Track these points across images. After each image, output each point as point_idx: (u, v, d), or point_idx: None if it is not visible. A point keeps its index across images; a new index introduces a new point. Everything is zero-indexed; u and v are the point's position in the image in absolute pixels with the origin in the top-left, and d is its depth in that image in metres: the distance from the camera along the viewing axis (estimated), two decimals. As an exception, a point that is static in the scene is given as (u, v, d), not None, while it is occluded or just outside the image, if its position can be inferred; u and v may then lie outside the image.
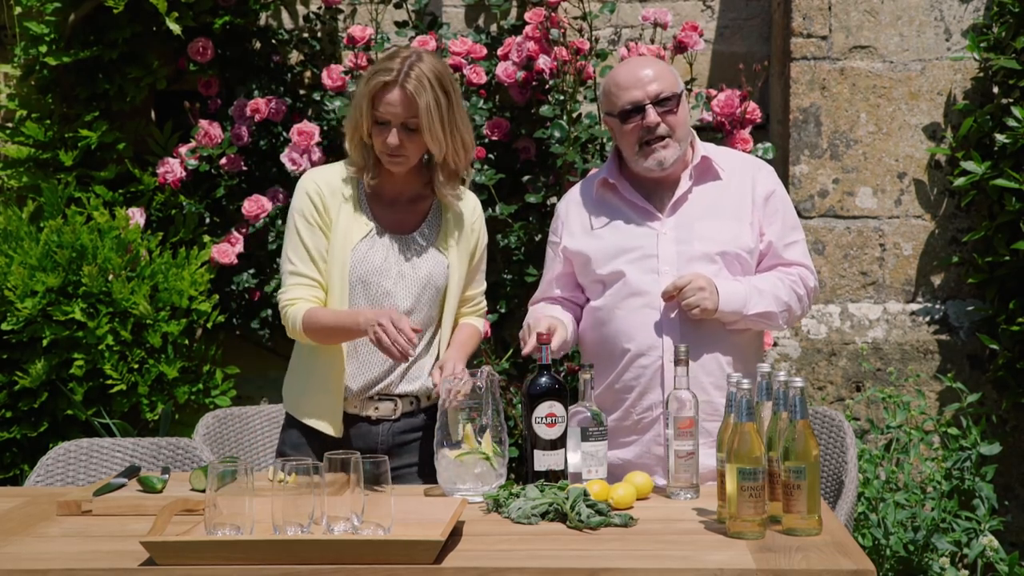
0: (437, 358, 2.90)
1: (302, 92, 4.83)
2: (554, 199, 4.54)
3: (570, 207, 3.03)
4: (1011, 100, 4.25)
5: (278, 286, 3.28)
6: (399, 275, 2.85)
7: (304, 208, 2.85)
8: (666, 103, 2.85)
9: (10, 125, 4.81)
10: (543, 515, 2.38)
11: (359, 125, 2.81)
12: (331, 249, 2.84)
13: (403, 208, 2.91)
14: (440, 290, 2.90)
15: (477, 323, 3.02)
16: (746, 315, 2.80)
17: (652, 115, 2.84)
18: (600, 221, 2.95)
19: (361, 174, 2.87)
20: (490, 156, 4.55)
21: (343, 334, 2.78)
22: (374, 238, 2.86)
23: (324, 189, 2.86)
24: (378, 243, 2.86)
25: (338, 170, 2.92)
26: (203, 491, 2.52)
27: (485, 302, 3.08)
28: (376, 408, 2.88)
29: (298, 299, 2.84)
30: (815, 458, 2.23)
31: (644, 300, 2.83)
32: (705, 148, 2.97)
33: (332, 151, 4.44)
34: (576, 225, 2.99)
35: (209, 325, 4.39)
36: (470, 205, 2.98)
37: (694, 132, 3.01)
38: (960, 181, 4.30)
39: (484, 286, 3.07)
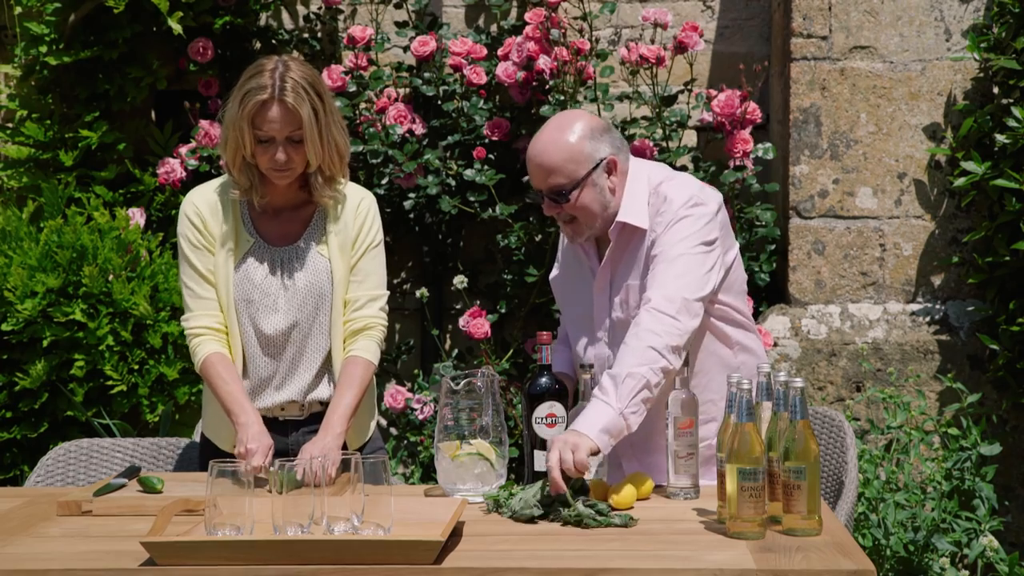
0: (328, 362, 2.85)
1: (302, 92, 4.82)
2: (554, 199, 4.54)
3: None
4: (1011, 100, 4.25)
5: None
6: (281, 288, 2.81)
7: (187, 232, 2.82)
8: (561, 197, 2.68)
9: (10, 125, 4.82)
10: (543, 515, 2.38)
11: (240, 147, 2.72)
12: (215, 268, 2.81)
13: (288, 218, 2.85)
14: (326, 296, 2.83)
15: (366, 353, 2.80)
16: (622, 413, 2.50)
17: (547, 207, 2.73)
18: (563, 258, 2.94)
19: (249, 195, 2.79)
20: (490, 156, 4.55)
21: (229, 412, 2.76)
22: (256, 254, 2.81)
23: (204, 209, 2.82)
24: (260, 258, 2.81)
25: (218, 187, 2.87)
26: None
27: (382, 316, 2.86)
28: (283, 409, 2.85)
29: (204, 330, 2.81)
30: (815, 458, 2.23)
31: (589, 353, 2.80)
32: (631, 203, 2.73)
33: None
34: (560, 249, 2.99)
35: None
36: (354, 201, 2.86)
37: (634, 169, 2.78)
38: (960, 181, 4.30)
39: (377, 292, 2.87)
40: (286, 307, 2.81)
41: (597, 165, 2.70)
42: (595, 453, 2.46)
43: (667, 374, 2.55)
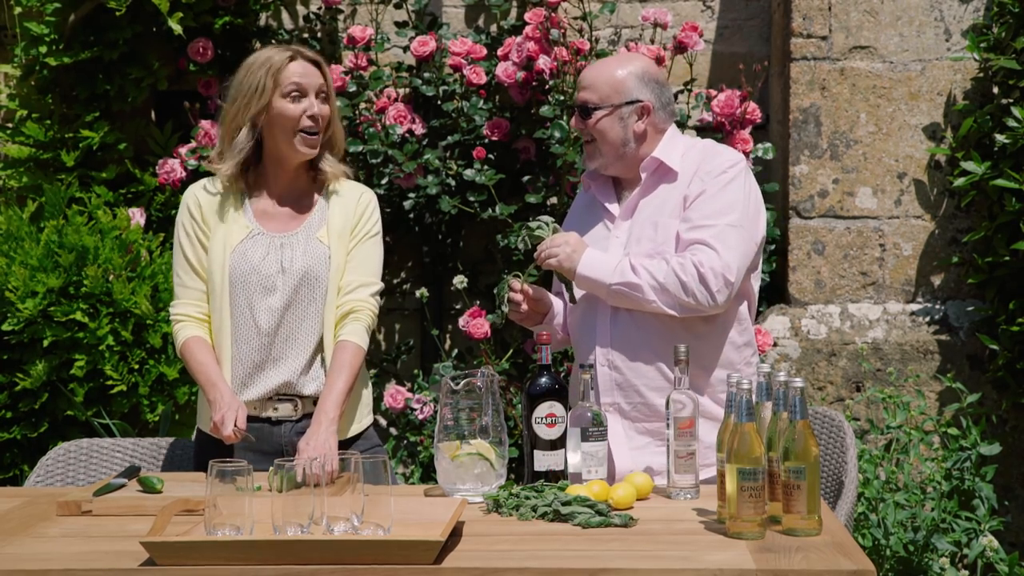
0: (320, 348, 2.86)
1: (302, 92, 4.83)
2: (554, 199, 4.54)
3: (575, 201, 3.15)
4: (1011, 100, 4.25)
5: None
6: (278, 270, 2.84)
7: (185, 221, 2.89)
8: (584, 112, 2.89)
9: (10, 125, 4.82)
10: (543, 515, 2.39)
11: (258, 111, 2.81)
12: (210, 254, 2.85)
13: (289, 210, 2.90)
14: (322, 280, 2.86)
15: (354, 336, 2.83)
16: (610, 286, 2.77)
17: (574, 120, 2.94)
18: (574, 218, 3.03)
19: (255, 184, 2.86)
20: (490, 156, 4.55)
21: (203, 390, 2.84)
22: (254, 238, 2.85)
23: (203, 201, 2.88)
24: (257, 242, 2.85)
25: (220, 180, 2.92)
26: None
27: (371, 302, 2.89)
28: (275, 409, 2.86)
29: (185, 317, 2.88)
30: (815, 458, 2.23)
31: (588, 303, 2.88)
32: (671, 147, 2.90)
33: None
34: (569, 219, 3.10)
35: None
36: (355, 194, 2.95)
37: (674, 129, 2.96)
38: (960, 181, 4.30)
39: (369, 279, 2.90)
40: (282, 288, 2.83)
41: (630, 102, 2.88)
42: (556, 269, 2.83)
43: (665, 302, 2.75)
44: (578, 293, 2.88)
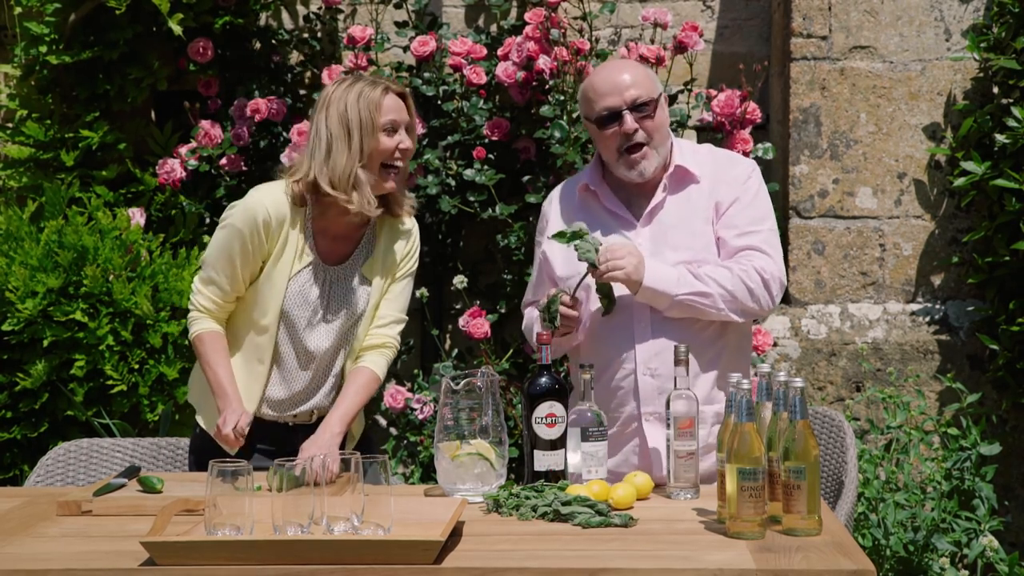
0: (342, 374, 2.89)
1: (302, 92, 4.84)
2: (554, 199, 4.54)
3: (552, 208, 3.00)
4: (1011, 100, 4.25)
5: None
6: (327, 310, 2.84)
7: (248, 233, 2.77)
8: (643, 108, 2.81)
9: (10, 125, 4.82)
10: (543, 515, 2.39)
11: (362, 150, 2.75)
12: (267, 275, 2.80)
13: (344, 239, 2.87)
14: (362, 318, 2.88)
15: (377, 367, 2.88)
16: (676, 297, 2.73)
17: (629, 122, 2.81)
18: (569, 221, 2.92)
19: (348, 204, 2.78)
20: (490, 156, 4.55)
21: (213, 394, 2.83)
22: (312, 271, 2.82)
23: (275, 217, 2.77)
24: (315, 277, 2.83)
25: (286, 195, 2.83)
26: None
27: (398, 339, 2.94)
28: (295, 416, 2.89)
29: (204, 312, 2.85)
30: (815, 458, 2.23)
31: (622, 312, 2.82)
32: (682, 153, 2.90)
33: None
34: (556, 228, 2.94)
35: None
36: (408, 225, 2.95)
37: (671, 135, 2.95)
38: (960, 181, 4.30)
39: (402, 315, 2.95)
40: (327, 327, 2.85)
41: (662, 93, 2.89)
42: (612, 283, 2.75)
43: (731, 308, 2.76)
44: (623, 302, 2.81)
